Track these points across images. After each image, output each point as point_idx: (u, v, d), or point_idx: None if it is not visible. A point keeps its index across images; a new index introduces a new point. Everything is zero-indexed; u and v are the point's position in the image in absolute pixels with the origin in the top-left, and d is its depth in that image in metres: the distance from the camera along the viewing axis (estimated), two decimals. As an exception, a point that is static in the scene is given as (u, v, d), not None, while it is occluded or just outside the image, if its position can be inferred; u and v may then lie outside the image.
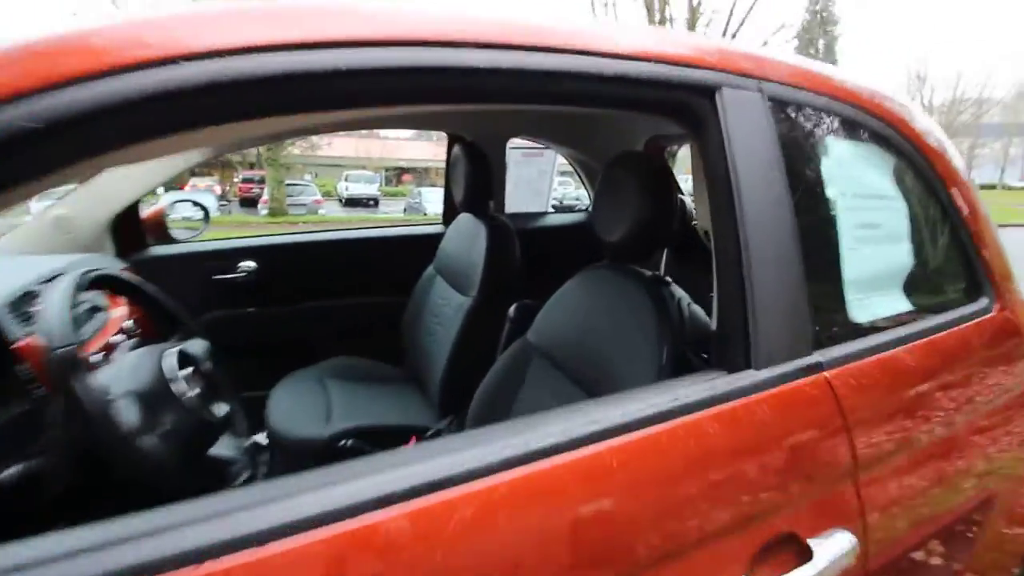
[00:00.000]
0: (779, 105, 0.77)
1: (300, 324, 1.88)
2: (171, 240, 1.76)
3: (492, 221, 1.58)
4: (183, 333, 0.99)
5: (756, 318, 0.69)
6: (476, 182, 1.55)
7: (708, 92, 0.70)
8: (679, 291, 1.00)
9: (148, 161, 1.51)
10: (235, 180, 16.02)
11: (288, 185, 12.46)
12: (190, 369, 0.83)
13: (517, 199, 2.12)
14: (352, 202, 15.66)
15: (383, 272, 1.97)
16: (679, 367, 0.88)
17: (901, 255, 0.91)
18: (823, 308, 0.79)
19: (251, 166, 14.80)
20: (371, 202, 15.74)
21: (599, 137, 1.91)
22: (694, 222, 1.99)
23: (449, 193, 2.04)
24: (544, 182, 2.15)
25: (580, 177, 2.19)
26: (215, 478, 0.86)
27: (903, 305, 0.89)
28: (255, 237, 1.95)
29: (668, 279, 1.01)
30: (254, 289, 1.79)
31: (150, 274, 1.66)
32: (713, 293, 0.80)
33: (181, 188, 14.59)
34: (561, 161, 2.22)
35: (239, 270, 1.75)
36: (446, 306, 1.67)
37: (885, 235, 0.89)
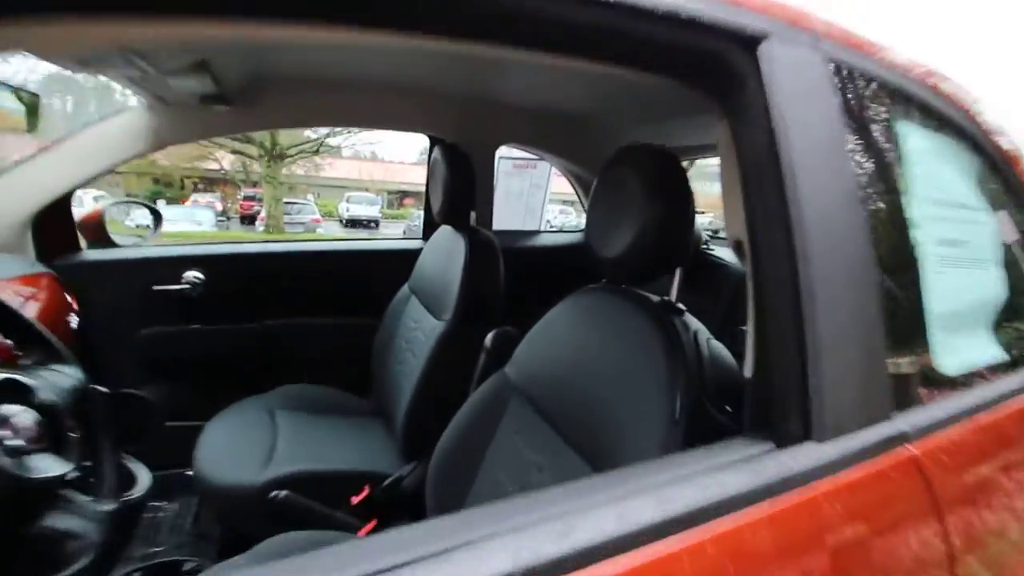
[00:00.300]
0: (844, 72, 0.56)
1: (252, 345, 1.65)
2: (111, 245, 1.54)
3: (472, 235, 1.36)
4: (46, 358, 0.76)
5: (819, 366, 0.46)
6: (456, 189, 1.34)
7: (748, 43, 0.50)
8: (695, 322, 0.78)
9: (75, 156, 1.32)
10: (238, 197, 16.00)
11: (287, 203, 12.37)
12: (14, 408, 0.60)
13: (506, 215, 1.92)
14: (353, 223, 15.58)
15: (354, 289, 1.75)
16: (697, 424, 0.65)
17: (991, 284, 0.69)
18: (902, 353, 0.56)
19: (254, 184, 14.78)
20: (372, 224, 15.66)
21: (594, 145, 1.72)
22: (704, 241, 1.78)
23: (430, 205, 1.84)
24: (537, 197, 1.95)
25: (579, 197, 1.99)
26: (36, 558, 0.63)
27: (997, 351, 0.67)
28: (203, 244, 1.73)
29: (681, 306, 0.79)
30: (200, 303, 1.56)
31: (80, 281, 1.46)
32: (746, 327, 0.59)
33: (183, 203, 14.56)
34: (566, 190, 2.03)
35: (183, 280, 1.52)
36: (418, 330, 1.44)
37: (972, 256, 0.67)
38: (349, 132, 11.75)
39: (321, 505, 1.16)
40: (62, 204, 1.40)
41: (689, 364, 0.69)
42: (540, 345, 0.95)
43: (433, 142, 1.71)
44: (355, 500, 1.23)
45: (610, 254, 0.81)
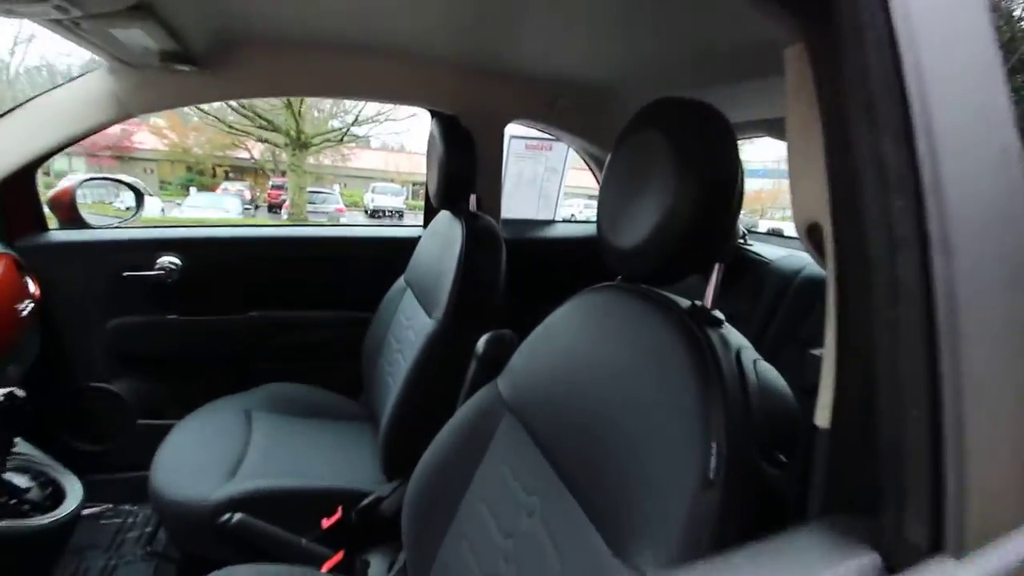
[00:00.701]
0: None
1: (233, 338, 1.51)
2: (83, 225, 1.42)
3: (470, 220, 1.18)
4: None
5: (963, 428, 0.27)
6: (453, 167, 1.16)
7: None
8: (737, 336, 0.58)
9: (33, 125, 1.18)
10: (267, 186, 16.22)
11: (311, 192, 12.41)
12: None
13: (517, 202, 1.73)
14: (376, 213, 15.62)
15: (347, 280, 1.59)
16: (739, 482, 0.46)
17: None
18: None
19: (282, 173, 14.95)
20: (395, 214, 15.67)
21: (615, 121, 1.51)
22: (742, 235, 1.57)
23: (428, 199, 1.67)
24: (553, 183, 1.76)
25: (597, 181, 1.78)
26: None
27: None
28: (181, 227, 1.60)
29: (718, 314, 0.59)
30: (176, 291, 1.42)
31: (44, 264, 1.33)
32: (818, 351, 0.40)
33: (214, 190, 14.80)
34: (590, 185, 1.83)
35: (157, 266, 1.38)
36: (410, 329, 1.28)
37: None
38: (375, 122, 11.68)
39: (282, 531, 1.00)
40: (24, 179, 1.27)
41: (730, 396, 0.50)
42: (537, 355, 0.77)
43: (434, 117, 1.54)
44: (326, 523, 1.07)
45: (625, 243, 0.62)
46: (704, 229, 0.56)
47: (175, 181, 16.34)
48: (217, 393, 1.35)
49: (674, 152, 0.57)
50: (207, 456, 1.11)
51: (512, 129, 1.58)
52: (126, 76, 1.17)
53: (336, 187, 17.10)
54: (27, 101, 1.18)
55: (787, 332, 1.25)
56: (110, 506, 1.41)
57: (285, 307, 1.56)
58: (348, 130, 11.41)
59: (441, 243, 1.25)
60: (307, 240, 1.59)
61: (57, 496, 0.86)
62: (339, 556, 0.99)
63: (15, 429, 0.80)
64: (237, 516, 0.96)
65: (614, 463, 0.56)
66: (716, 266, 0.59)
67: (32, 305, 1.19)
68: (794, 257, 1.41)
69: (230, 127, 10.82)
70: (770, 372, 0.56)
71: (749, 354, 0.56)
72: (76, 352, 1.39)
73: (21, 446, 0.90)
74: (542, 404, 0.70)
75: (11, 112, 1.18)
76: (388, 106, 9.72)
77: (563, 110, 1.49)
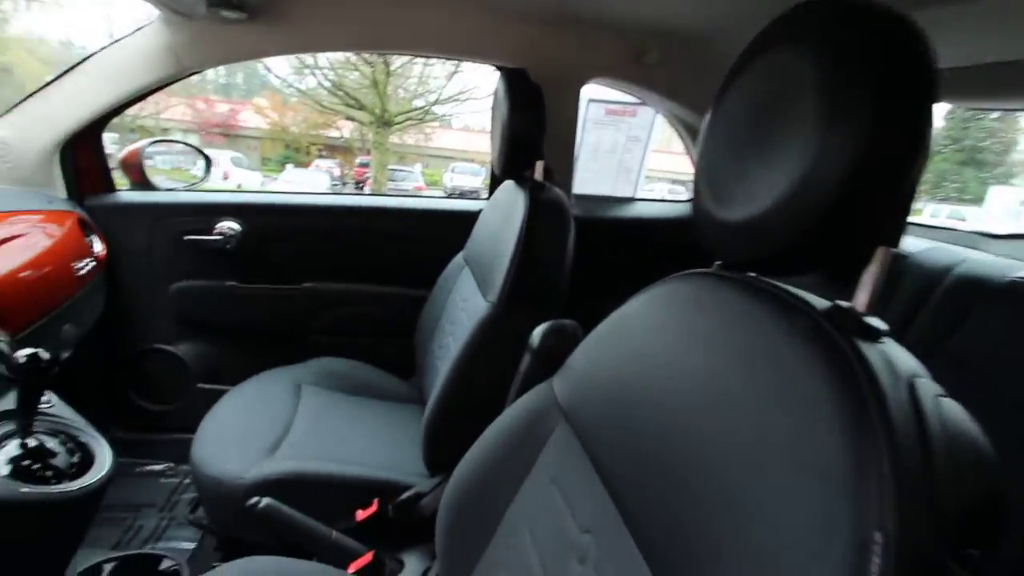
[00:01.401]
0: None
1: (289, 309, 1.47)
2: (150, 188, 1.42)
3: (535, 190, 1.02)
4: None
5: None
6: (518, 129, 1.00)
7: None
8: (907, 357, 0.38)
9: (95, 81, 1.17)
10: (355, 164, 16.95)
11: (392, 170, 12.73)
12: None
13: (592, 175, 1.54)
14: (455, 192, 15.84)
15: (407, 254, 1.50)
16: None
17: None
18: None
19: (369, 152, 15.49)
20: (473, 194, 15.82)
21: (718, 79, 1.27)
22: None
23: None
24: (635, 154, 1.54)
25: (692, 159, 1.54)
26: None
27: None
28: (246, 192, 1.57)
29: (877, 322, 0.40)
30: (235, 257, 1.39)
31: (112, 223, 1.35)
32: None
33: (307, 167, 15.69)
34: (676, 166, 1.60)
35: (216, 231, 1.36)
36: (464, 311, 1.15)
37: None
38: (457, 100, 11.72)
39: (311, 521, 0.92)
40: (92, 139, 1.28)
41: (903, 455, 0.31)
42: (601, 355, 0.61)
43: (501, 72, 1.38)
44: (361, 516, 0.99)
45: (735, 214, 0.44)
46: (867, 196, 0.37)
47: (274, 158, 17.49)
48: (271, 363, 1.32)
49: (825, 80, 0.37)
50: (250, 429, 1.07)
51: (590, 91, 1.38)
52: (181, 29, 1.12)
53: (417, 166, 17.52)
54: (84, 59, 1.16)
55: (930, 346, 0.98)
56: (170, 465, 1.43)
57: (341, 280, 1.49)
58: (430, 109, 11.55)
59: (502, 216, 1.10)
60: (365, 209, 1.50)
61: (85, 463, 0.82)
62: (368, 558, 0.90)
63: (40, 392, 0.76)
64: (265, 501, 0.89)
65: (701, 519, 0.39)
66: (879, 251, 0.39)
67: (92, 265, 1.19)
68: (942, 250, 1.11)
69: (322, 106, 11.31)
70: (957, 414, 0.36)
71: (928, 387, 0.36)
72: (141, 313, 1.41)
73: (57, 407, 0.88)
74: (603, 418, 0.54)
75: (71, 71, 1.17)
76: (470, 85, 9.68)
77: (652, 66, 1.27)
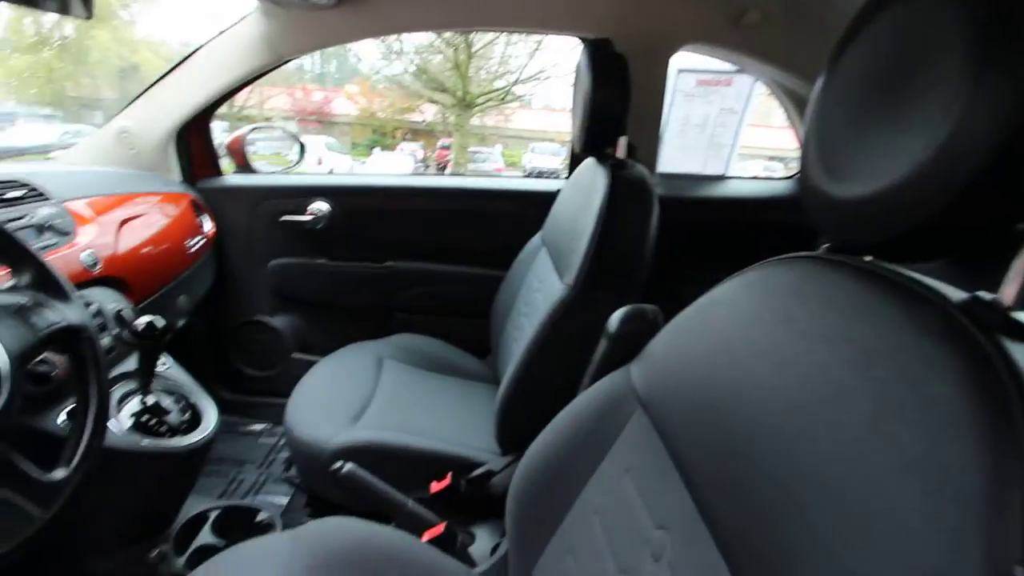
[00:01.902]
0: None
1: (373, 286, 1.53)
2: (251, 171, 1.53)
3: (617, 168, 0.97)
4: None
5: None
6: (600, 103, 0.95)
7: None
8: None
9: (202, 72, 1.26)
10: (437, 147, 17.35)
11: (472, 152, 12.91)
12: None
13: (680, 152, 1.45)
14: (534, 173, 15.78)
15: (483, 234, 1.50)
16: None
17: None
18: None
19: (450, 135, 15.80)
20: (552, 174, 15.67)
21: (830, 40, 1.12)
22: None
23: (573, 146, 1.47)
24: (729, 128, 1.42)
25: (796, 131, 1.39)
26: None
27: None
28: (334, 175, 1.64)
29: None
30: (325, 236, 1.47)
31: (220, 204, 1.47)
32: None
33: (392, 150, 16.32)
34: (772, 143, 1.45)
35: (308, 212, 1.44)
36: (540, 292, 1.13)
37: None
38: (537, 80, 11.58)
39: (390, 489, 0.96)
40: (202, 126, 1.39)
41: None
42: (684, 343, 0.56)
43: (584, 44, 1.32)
44: (435, 487, 1.02)
45: (855, 190, 0.38)
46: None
47: (363, 142, 18.36)
48: (356, 336, 1.38)
49: (985, 29, 0.31)
50: (336, 398, 1.13)
51: (680, 60, 1.28)
52: (276, 18, 1.18)
53: (498, 147, 17.61)
54: (192, 53, 1.26)
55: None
56: (268, 425, 1.56)
57: (422, 259, 1.53)
58: (510, 89, 11.52)
59: (581, 196, 1.06)
60: (444, 191, 1.52)
61: (195, 420, 0.91)
62: (440, 528, 0.93)
63: (157, 355, 0.84)
64: (348, 466, 0.93)
65: (792, 523, 0.34)
66: None
67: (203, 242, 1.31)
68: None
69: (404, 89, 11.65)
70: None
71: None
72: (244, 287, 1.53)
73: (172, 369, 0.97)
74: (685, 410, 0.51)
75: (181, 65, 1.27)
76: (551, 64, 9.49)
77: (753, 28, 1.15)
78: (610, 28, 1.19)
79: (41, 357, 0.72)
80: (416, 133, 19.47)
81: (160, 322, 0.81)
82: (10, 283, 0.59)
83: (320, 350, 1.55)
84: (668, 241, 1.02)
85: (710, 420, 0.46)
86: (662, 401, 0.54)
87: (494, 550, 0.94)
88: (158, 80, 1.28)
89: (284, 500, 1.26)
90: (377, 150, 16.50)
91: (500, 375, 1.22)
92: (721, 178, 1.48)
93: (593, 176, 1.03)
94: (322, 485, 1.04)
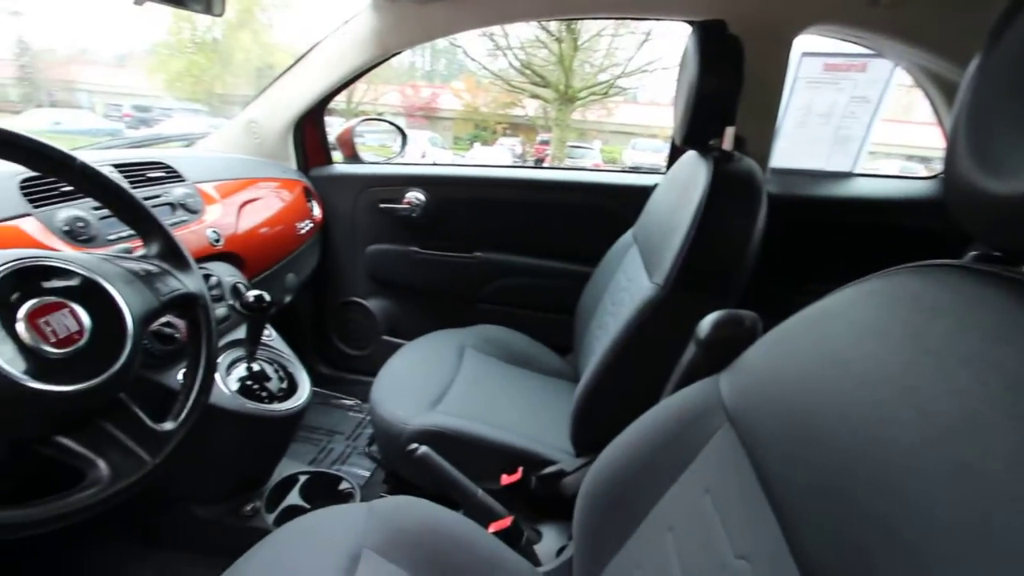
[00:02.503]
0: None
1: (459, 276, 1.56)
2: (357, 161, 1.62)
3: (721, 161, 0.89)
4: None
5: None
6: (708, 86, 0.87)
7: None
8: None
9: (317, 67, 1.35)
10: (536, 141, 17.46)
11: (571, 147, 12.80)
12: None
13: (798, 146, 1.30)
14: (634, 170, 15.32)
15: (577, 229, 1.47)
16: None
17: None
18: None
19: (550, 129, 15.83)
20: (652, 171, 15.11)
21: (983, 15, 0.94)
22: None
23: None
24: (860, 120, 1.25)
25: (940, 123, 1.19)
26: None
27: None
28: (431, 165, 1.68)
29: None
30: (418, 225, 1.52)
31: (328, 191, 1.58)
32: None
33: (492, 144, 16.69)
34: (907, 139, 1.26)
35: (404, 200, 1.49)
36: (627, 291, 1.08)
37: None
38: (643, 72, 11.19)
39: (461, 476, 0.97)
40: (316, 118, 1.50)
41: None
42: (788, 356, 0.50)
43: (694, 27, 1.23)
44: (505, 480, 1.01)
45: (1017, 185, 0.31)
46: None
47: (465, 137, 18.96)
48: (441, 324, 1.42)
49: None
50: (418, 382, 1.16)
51: (802, 44, 1.15)
52: (386, 13, 1.22)
53: (596, 143, 17.31)
54: (310, 50, 1.35)
55: None
56: (358, 401, 1.65)
57: (509, 251, 1.53)
58: (614, 83, 11.24)
59: (679, 190, 0.99)
60: (536, 183, 1.50)
61: (291, 389, 0.98)
62: (508, 522, 0.92)
63: (263, 326, 0.92)
64: (422, 449, 0.96)
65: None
66: None
67: (311, 225, 1.41)
68: None
69: (510, 85, 11.81)
70: None
71: None
72: (345, 270, 1.64)
73: (275, 341, 1.06)
74: (781, 430, 0.45)
75: (300, 61, 1.37)
76: (658, 54, 9.10)
77: (891, 6, 1.00)
78: (725, 9, 1.09)
79: (167, 320, 0.81)
80: (516, 128, 19.71)
81: (267, 296, 0.88)
82: (141, 252, 0.67)
83: (407, 334, 1.61)
84: (777, 244, 0.92)
85: (810, 444, 0.40)
86: (755, 418, 0.48)
87: (560, 551, 0.91)
88: (281, 75, 1.39)
89: (366, 473, 1.33)
90: (477, 144, 16.95)
91: (580, 373, 1.19)
92: (847, 175, 1.32)
93: (694, 170, 0.96)
94: (399, 463, 1.08)
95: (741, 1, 1.09)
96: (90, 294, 0.53)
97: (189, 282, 0.67)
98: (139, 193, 0.67)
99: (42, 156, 0.56)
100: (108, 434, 0.53)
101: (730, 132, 0.91)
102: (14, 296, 0.47)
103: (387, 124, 1.75)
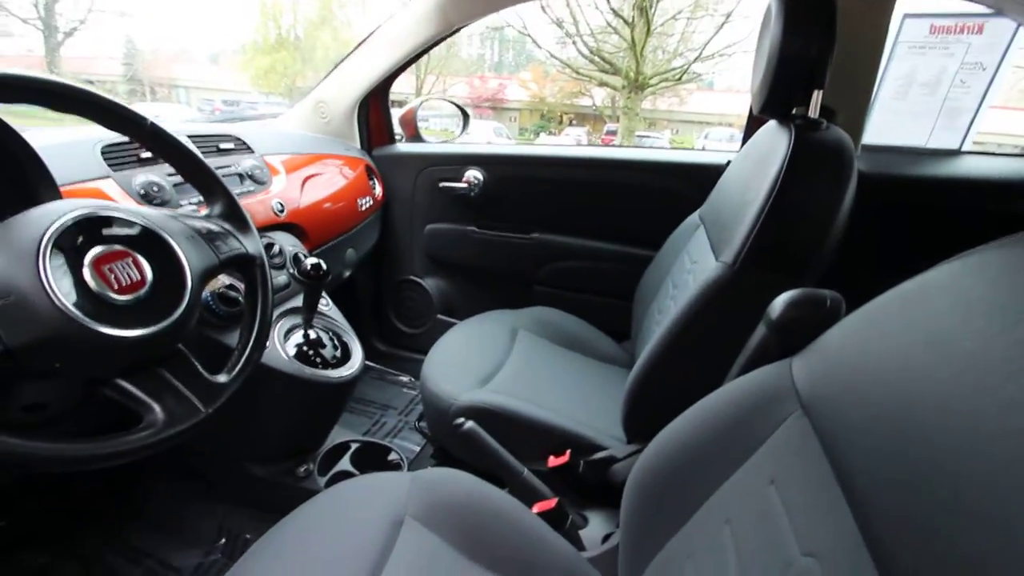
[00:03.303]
0: None
1: (516, 257, 1.54)
2: (419, 140, 1.64)
3: (804, 130, 0.81)
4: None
5: None
6: (793, 45, 0.78)
7: None
8: None
9: (382, 46, 1.36)
10: (603, 131, 17.14)
11: (638, 136, 12.43)
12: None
13: (896, 119, 1.16)
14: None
15: (639, 210, 1.40)
16: None
17: None
18: None
19: (618, 119, 15.49)
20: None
21: None
22: None
23: (752, 113, 1.27)
24: (973, 89, 1.10)
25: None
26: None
27: None
28: (491, 145, 1.67)
29: None
30: (477, 204, 1.51)
31: (390, 170, 1.60)
32: None
33: (558, 134, 16.56)
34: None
35: (463, 180, 1.49)
36: (691, 272, 1.02)
37: None
38: (723, 56, 10.62)
39: (507, 454, 0.96)
40: (380, 97, 1.52)
41: None
42: (878, 338, 0.44)
43: None
44: (552, 462, 0.99)
45: None
46: None
47: (530, 127, 18.93)
48: (495, 305, 1.40)
49: None
50: (469, 359, 1.15)
51: (906, 3, 1.02)
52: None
53: (666, 133, 16.71)
54: (374, 31, 1.36)
55: None
56: (412, 378, 1.68)
57: (567, 233, 1.49)
58: (688, 68, 10.74)
59: (754, 162, 0.91)
60: (597, 161, 1.45)
61: (344, 358, 1.00)
62: (552, 503, 0.89)
63: (319, 295, 0.94)
64: (469, 424, 0.95)
65: None
66: None
67: (371, 203, 1.43)
68: None
69: (578, 73, 11.60)
70: None
71: None
72: (403, 248, 1.66)
73: (331, 310, 1.09)
74: (864, 419, 0.40)
75: (364, 43, 1.39)
76: (738, 36, 8.57)
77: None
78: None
79: (231, 283, 0.85)
80: (583, 118, 19.42)
81: (323, 264, 0.90)
82: (205, 212, 0.69)
83: (462, 314, 1.62)
84: (867, 229, 0.82)
85: (902, 436, 0.35)
86: (834, 406, 0.43)
87: (605, 539, 0.88)
88: (348, 56, 1.42)
89: (415, 447, 1.35)
90: (543, 135, 16.86)
91: (636, 359, 1.13)
92: (954, 153, 1.16)
93: (774, 140, 0.87)
94: (446, 438, 1.08)
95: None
96: (153, 246, 0.56)
97: (248, 243, 0.68)
98: (210, 162, 0.70)
99: (116, 115, 0.59)
100: (165, 381, 0.56)
101: (817, 96, 0.82)
102: (79, 241, 0.50)
103: (450, 105, 1.75)
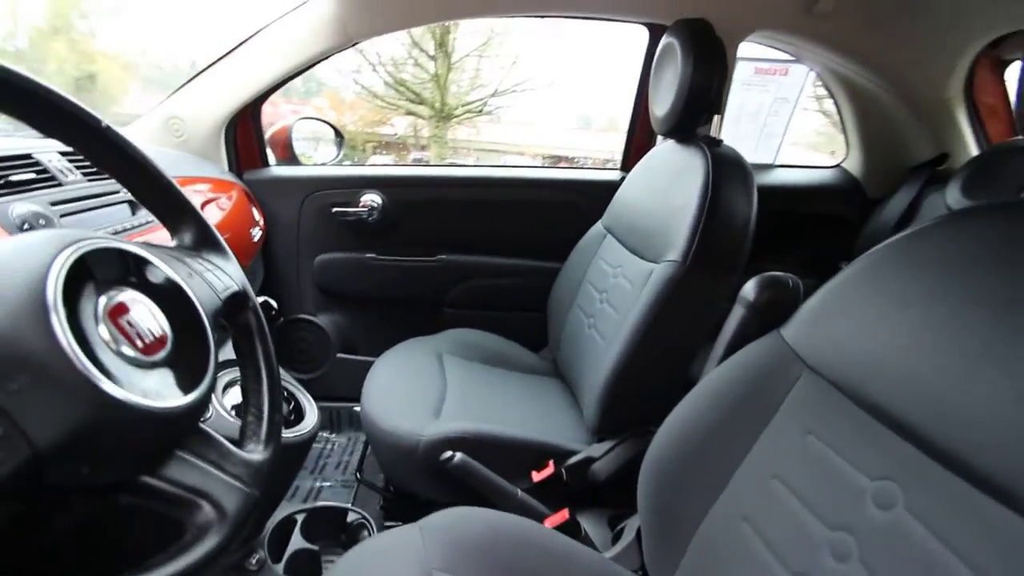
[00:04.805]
0: None
1: (423, 281, 1.48)
2: (295, 162, 1.47)
3: (714, 146, 0.98)
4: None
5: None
6: (699, 79, 0.95)
7: None
8: None
9: (262, 56, 1.20)
10: (408, 160, 17.22)
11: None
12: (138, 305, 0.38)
13: (732, 141, 1.47)
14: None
15: (537, 225, 1.48)
16: None
17: None
18: None
19: (422, 148, 15.77)
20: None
21: (921, 27, 1.16)
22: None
23: (631, 135, 1.47)
24: (780, 118, 1.45)
25: (840, 116, 1.43)
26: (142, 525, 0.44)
27: None
28: (386, 166, 1.59)
29: None
30: (375, 230, 1.41)
31: (267, 196, 1.39)
32: None
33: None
34: None
35: (361, 204, 1.38)
36: (620, 278, 1.12)
37: None
38: (514, 92, 11.66)
39: (501, 479, 0.92)
40: (252, 114, 1.33)
41: None
42: (856, 300, 0.56)
43: (653, 34, 1.33)
44: (537, 477, 0.98)
45: None
46: None
47: (333, 155, 18.07)
48: (405, 333, 1.33)
49: None
50: (411, 392, 1.08)
51: (742, 49, 1.30)
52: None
53: (469, 160, 17.62)
54: (249, 38, 1.20)
55: None
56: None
57: (473, 252, 1.49)
58: (486, 101, 11.54)
59: (667, 177, 1.06)
60: (500, 180, 1.49)
61: (298, 414, 0.85)
62: (564, 514, 0.89)
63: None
64: (459, 456, 0.89)
65: None
66: None
67: (260, 233, 1.24)
68: None
69: (385, 101, 11.48)
70: None
71: None
72: (289, 284, 1.46)
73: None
74: (879, 366, 0.50)
75: (239, 47, 1.21)
76: (526, 77, 9.53)
77: (825, 16, 1.18)
78: (678, 14, 1.20)
79: None
80: (387, 146, 19.31)
81: (274, 303, 0.75)
82: (174, 243, 0.54)
83: (366, 350, 1.49)
84: None
85: (917, 366, 0.46)
86: (845, 361, 0.53)
87: (618, 535, 0.91)
88: (210, 65, 1.21)
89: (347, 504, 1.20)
90: (347, 163, 16.26)
91: (570, 365, 1.20)
92: (770, 166, 1.51)
93: (683, 156, 1.03)
94: (411, 478, 0.99)
95: (689, 8, 1.21)
96: (161, 289, 0.42)
97: (234, 275, 0.55)
98: (91, 188, 0.54)
99: (57, 110, 0.42)
100: (201, 468, 0.41)
101: (717, 120, 1.00)
102: (87, 285, 0.35)
103: (321, 123, 1.61)
